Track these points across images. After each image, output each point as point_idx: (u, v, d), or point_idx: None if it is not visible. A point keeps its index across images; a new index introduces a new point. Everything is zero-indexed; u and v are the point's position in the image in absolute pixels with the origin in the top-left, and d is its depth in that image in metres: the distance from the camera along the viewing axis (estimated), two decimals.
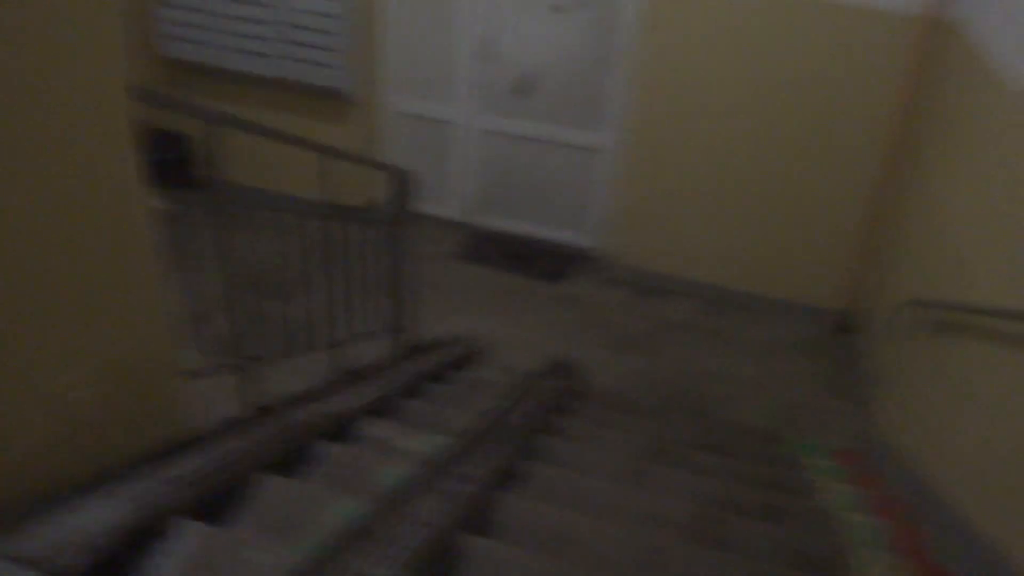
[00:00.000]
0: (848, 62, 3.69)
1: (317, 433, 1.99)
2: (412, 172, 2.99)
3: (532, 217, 4.79)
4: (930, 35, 3.54)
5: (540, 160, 4.59)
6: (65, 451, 1.44)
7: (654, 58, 3.92)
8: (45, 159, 1.28)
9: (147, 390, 1.64)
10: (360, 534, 1.45)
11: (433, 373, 2.98)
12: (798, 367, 3.94)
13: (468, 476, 1.83)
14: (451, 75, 4.52)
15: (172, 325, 1.67)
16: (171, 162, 4.62)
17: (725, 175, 4.11)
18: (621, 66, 4.16)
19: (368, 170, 4.74)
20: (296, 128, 4.62)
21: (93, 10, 1.31)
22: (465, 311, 4.13)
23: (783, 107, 3.86)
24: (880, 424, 3.33)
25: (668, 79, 3.96)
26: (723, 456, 2.76)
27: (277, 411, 2.06)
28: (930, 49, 3.55)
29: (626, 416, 3.12)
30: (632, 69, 4.03)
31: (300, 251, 2.45)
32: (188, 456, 1.63)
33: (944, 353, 2.78)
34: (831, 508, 2.47)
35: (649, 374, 3.76)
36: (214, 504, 1.54)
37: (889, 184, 3.87)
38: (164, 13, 4.43)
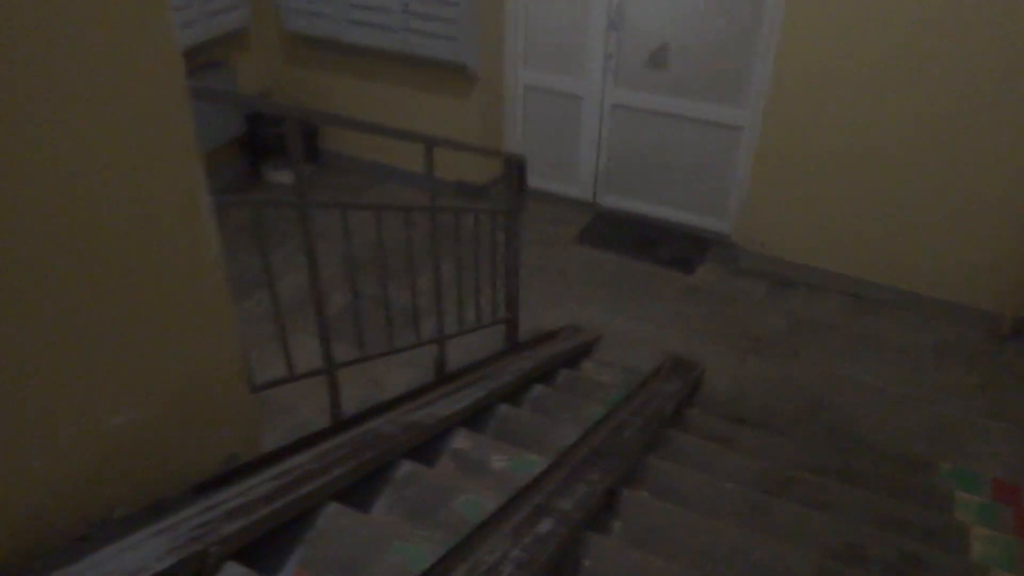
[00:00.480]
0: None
1: (398, 450, 1.84)
2: (526, 158, 2.77)
3: (662, 199, 4.48)
4: None
5: (673, 137, 4.27)
6: (117, 479, 1.35)
7: (801, 27, 3.51)
8: (101, 169, 1.16)
9: (213, 410, 1.53)
10: None
11: (541, 372, 2.79)
12: (954, 379, 3.48)
13: (557, 511, 1.62)
14: (582, 47, 4.25)
15: (240, 341, 1.56)
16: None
17: (874, 157, 3.65)
18: (765, 36, 3.77)
19: (493, 143, 4.58)
20: (419, 102, 4.51)
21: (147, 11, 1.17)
22: (584, 299, 3.91)
23: (943, 79, 3.37)
24: None
25: (815, 51, 3.54)
26: (861, 487, 2.43)
27: (358, 422, 1.92)
28: None
29: (752, 431, 2.82)
30: (776, 40, 3.63)
31: (410, 234, 2.30)
32: (245, 482, 1.52)
33: None
34: (983, 565, 2.11)
35: (782, 381, 3.42)
36: (266, 539, 1.42)
37: None
38: None
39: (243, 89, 4.59)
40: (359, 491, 1.70)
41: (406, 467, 1.82)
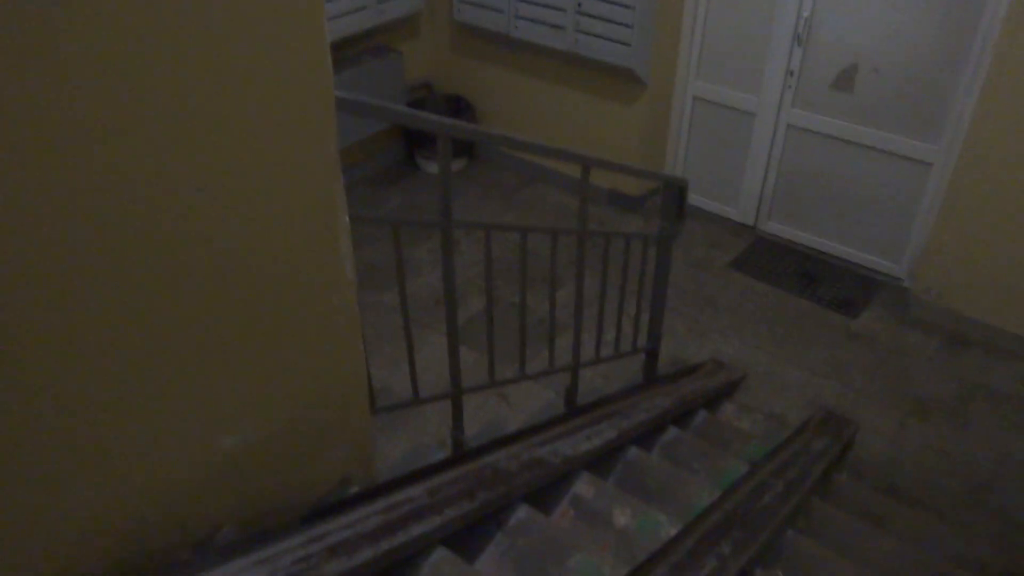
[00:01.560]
0: None
1: (515, 492, 1.71)
2: (687, 181, 2.57)
3: (830, 232, 4.14)
4: None
5: (851, 167, 3.92)
6: (226, 498, 1.29)
7: (1016, 59, 3.10)
8: (240, 183, 1.08)
9: (330, 430, 1.46)
10: None
11: (679, 412, 2.60)
12: None
13: None
14: (761, 61, 3.97)
15: (365, 360, 1.47)
16: None
17: None
18: (972, 64, 3.37)
19: (654, 154, 4.38)
20: (582, 104, 4.36)
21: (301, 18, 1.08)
22: (731, 332, 3.65)
23: None
24: None
25: None
26: None
27: (478, 454, 1.80)
28: None
29: (911, 511, 2.52)
30: (985, 69, 3.24)
31: (554, 255, 2.16)
32: (354, 512, 1.43)
33: None
34: None
35: (946, 453, 3.06)
36: None
37: None
38: None
39: (408, 75, 4.59)
40: (470, 533, 1.59)
41: (522, 512, 1.69)
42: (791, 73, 3.89)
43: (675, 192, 2.56)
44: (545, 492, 1.83)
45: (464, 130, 1.56)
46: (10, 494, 0.99)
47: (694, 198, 4.45)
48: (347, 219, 1.29)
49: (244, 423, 1.27)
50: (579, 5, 3.93)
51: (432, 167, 4.73)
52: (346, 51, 4.29)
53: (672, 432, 2.43)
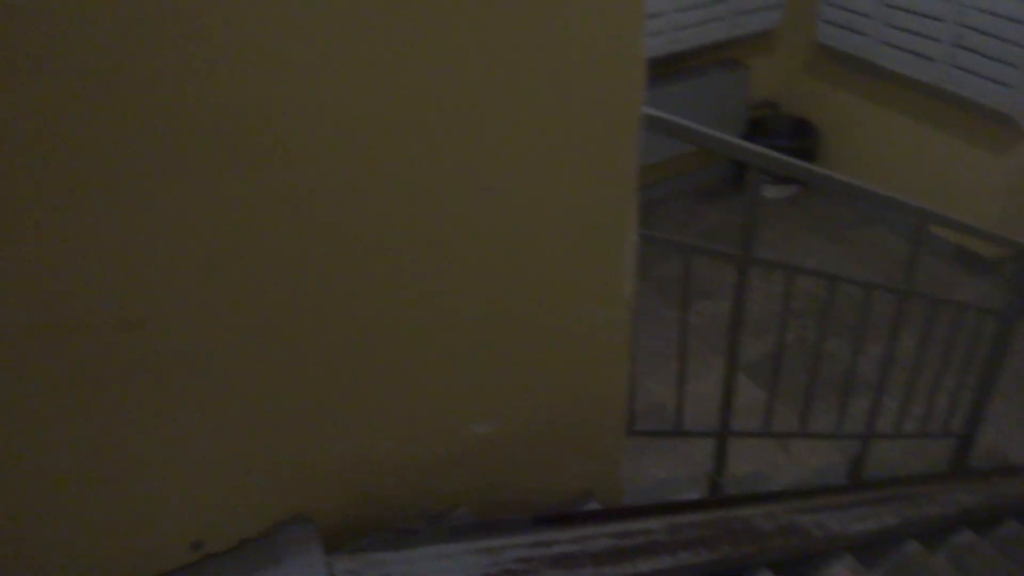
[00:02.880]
0: None
1: (762, 556, 1.58)
2: None
3: None
4: None
5: None
6: (466, 482, 1.34)
7: None
8: (535, 189, 1.11)
9: (581, 442, 1.45)
10: None
11: (983, 516, 2.24)
12: None
13: None
14: None
15: (630, 378, 1.44)
16: (797, 151, 4.33)
17: None
18: None
19: (1015, 216, 3.82)
20: (944, 146, 3.92)
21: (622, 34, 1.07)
22: None
23: None
24: None
25: None
26: None
27: (733, 504, 1.70)
28: None
29: None
30: None
31: (866, 313, 1.98)
32: (586, 528, 1.41)
33: None
34: None
35: None
36: None
37: None
38: None
39: (754, 92, 4.44)
40: None
41: None
42: None
43: None
44: (796, 565, 1.68)
45: (777, 162, 1.46)
46: (299, 442, 1.11)
47: None
48: (635, 237, 1.26)
49: (498, 415, 1.30)
50: (958, 37, 3.52)
51: (762, 190, 4.53)
52: (694, 61, 4.25)
53: (967, 536, 2.11)
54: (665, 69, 4.14)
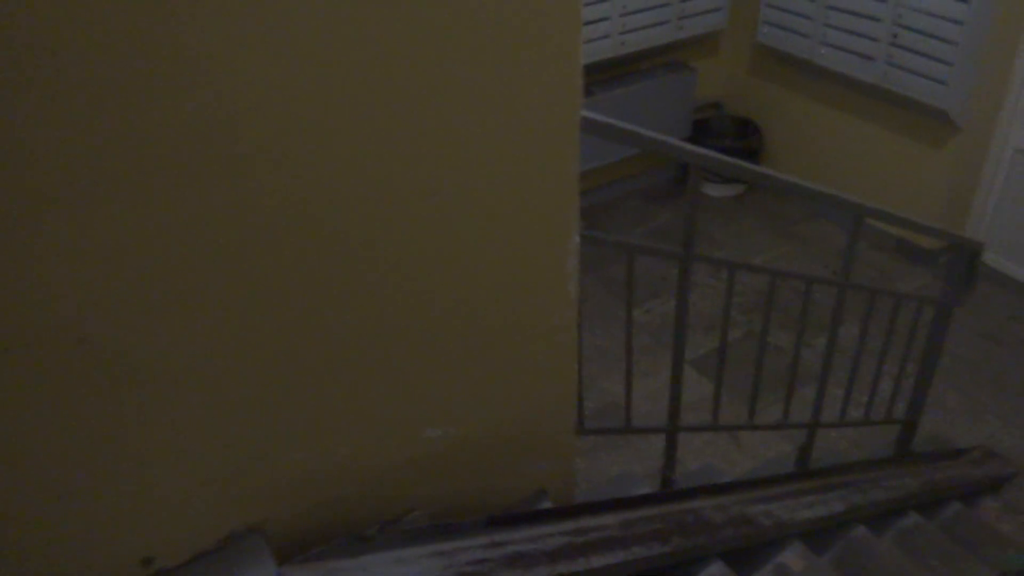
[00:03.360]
0: None
1: (713, 546, 1.62)
2: (983, 245, 2.28)
3: None
4: None
5: None
6: (419, 487, 1.35)
7: None
8: (477, 196, 1.13)
9: (533, 442, 1.47)
10: None
11: (925, 498, 2.32)
12: None
13: None
14: None
15: (577, 379, 1.47)
16: (742, 150, 4.42)
17: None
18: None
19: (957, 205, 3.94)
20: (883, 142, 4.03)
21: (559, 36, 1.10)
22: (1018, 420, 3.19)
23: None
24: None
25: None
26: None
27: (685, 497, 1.73)
28: None
29: None
30: None
31: (806, 307, 2.03)
32: (540, 528, 1.43)
33: None
34: None
35: None
36: None
37: None
38: None
39: (700, 93, 4.51)
40: None
41: (715, 569, 1.60)
42: None
43: (965, 255, 2.27)
44: (747, 553, 1.72)
45: (718, 163, 1.50)
46: (245, 449, 1.11)
47: (1000, 262, 3.94)
48: (577, 239, 1.29)
49: (449, 420, 1.32)
50: (895, 36, 3.62)
51: (710, 189, 4.62)
52: (641, 64, 4.31)
53: (912, 519, 2.18)
54: (612, 72, 4.19)
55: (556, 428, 1.49)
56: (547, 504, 1.55)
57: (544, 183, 1.20)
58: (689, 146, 1.45)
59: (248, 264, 0.99)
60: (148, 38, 0.81)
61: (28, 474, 0.96)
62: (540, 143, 1.16)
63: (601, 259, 3.79)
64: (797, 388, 2.27)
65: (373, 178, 1.03)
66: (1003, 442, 3.07)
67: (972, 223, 4.04)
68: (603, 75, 4.16)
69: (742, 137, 4.54)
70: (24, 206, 0.81)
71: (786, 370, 2.22)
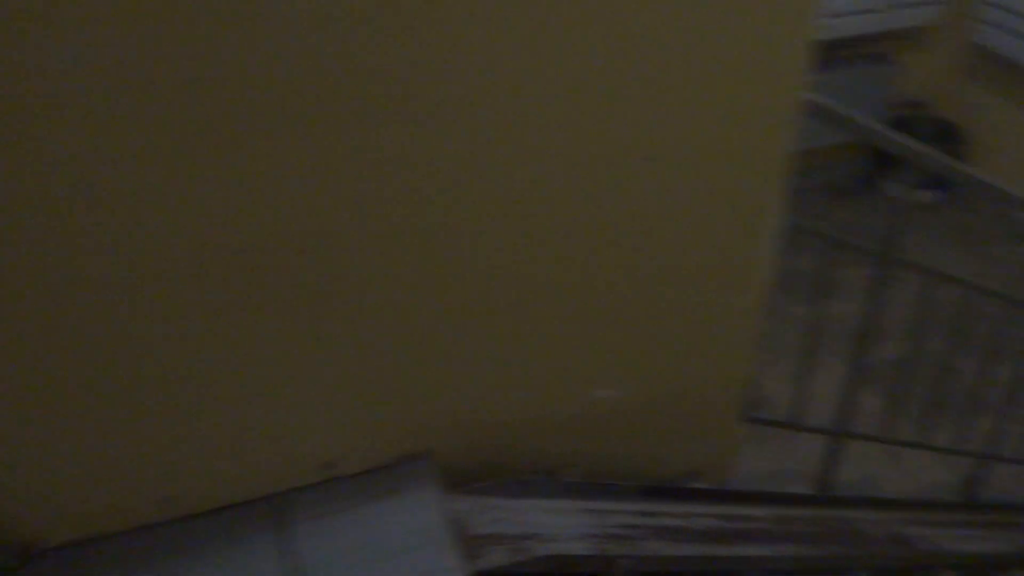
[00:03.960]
0: None
1: (865, 559, 1.56)
2: None
3: None
4: None
5: None
6: (582, 444, 1.36)
7: None
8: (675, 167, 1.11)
9: (696, 421, 1.45)
10: None
11: None
12: None
13: None
14: None
15: (748, 368, 1.43)
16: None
17: None
18: None
19: None
20: None
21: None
22: None
23: None
24: None
25: None
26: None
27: (841, 505, 1.67)
28: None
29: None
30: None
31: (1004, 327, 1.89)
32: (692, 506, 1.42)
33: None
34: None
35: None
36: None
37: None
38: None
39: (900, 90, 4.24)
40: None
41: None
42: None
43: None
44: (897, 574, 1.64)
45: (942, 166, 1.40)
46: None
47: None
48: (776, 222, 1.25)
49: (622, 383, 1.32)
50: None
51: (892, 190, 4.35)
52: (841, 51, 4.09)
53: None
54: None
55: (722, 411, 1.46)
56: (701, 484, 1.53)
57: (752, 164, 1.16)
58: (917, 146, 1.37)
59: (455, 209, 1.02)
60: None
61: (234, 367, 1.04)
62: (756, 123, 1.12)
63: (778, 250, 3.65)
64: (972, 415, 2.13)
65: (596, 147, 1.03)
66: None
67: None
68: None
69: (942, 141, 4.23)
70: (278, 126, 0.87)
71: (962, 394, 2.08)
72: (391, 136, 0.93)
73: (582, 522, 1.26)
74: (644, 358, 1.31)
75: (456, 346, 1.16)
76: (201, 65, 0.81)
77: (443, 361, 1.17)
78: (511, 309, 1.15)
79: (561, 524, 1.24)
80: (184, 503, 1.12)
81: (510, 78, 0.95)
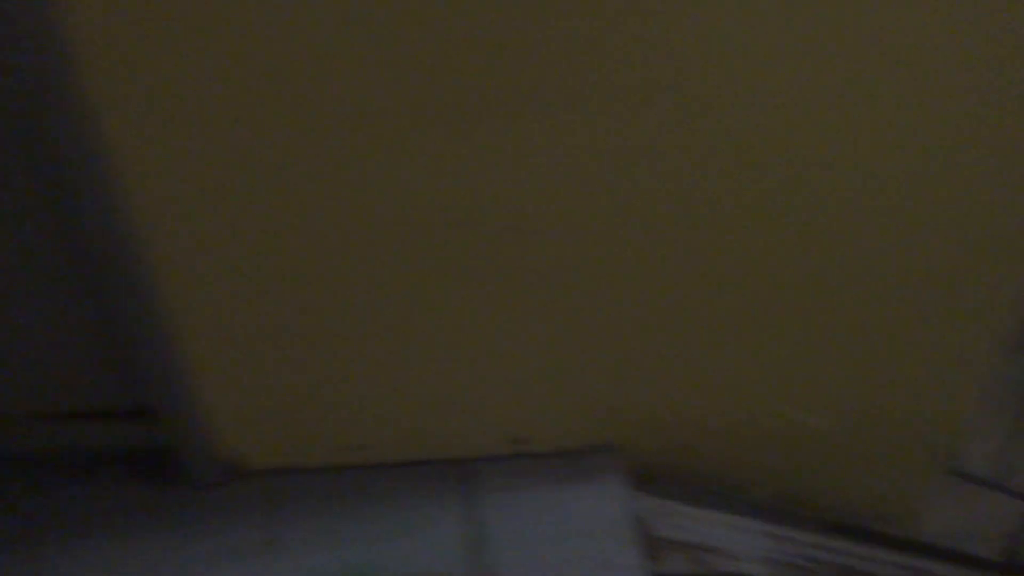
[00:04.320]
0: None
1: None
2: None
3: None
4: None
5: None
6: (776, 469, 1.31)
7: None
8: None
9: (895, 465, 1.35)
10: None
11: None
12: None
13: None
14: None
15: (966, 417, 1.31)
16: None
17: None
18: None
19: None
20: None
21: None
22: None
23: None
24: None
25: None
26: None
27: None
28: None
29: None
30: None
31: None
32: (872, 548, 1.33)
33: None
34: None
35: None
36: None
37: None
38: None
39: None
40: None
41: None
42: None
43: None
44: None
45: None
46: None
47: None
48: None
49: (821, 410, 1.25)
50: None
51: None
52: None
53: None
54: None
55: (927, 455, 1.36)
56: (887, 529, 1.43)
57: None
58: None
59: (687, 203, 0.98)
60: None
61: (432, 334, 1.05)
62: None
63: None
64: None
65: (892, 151, 0.97)
66: None
67: None
68: None
69: None
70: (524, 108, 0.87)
71: None
72: (641, 126, 0.90)
73: (764, 545, 1.22)
74: (856, 384, 1.23)
75: (659, 343, 1.13)
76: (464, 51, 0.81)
77: (643, 356, 1.14)
78: (727, 315, 1.11)
79: (743, 543, 1.20)
80: (376, 452, 1.16)
81: (774, 72, 0.89)
